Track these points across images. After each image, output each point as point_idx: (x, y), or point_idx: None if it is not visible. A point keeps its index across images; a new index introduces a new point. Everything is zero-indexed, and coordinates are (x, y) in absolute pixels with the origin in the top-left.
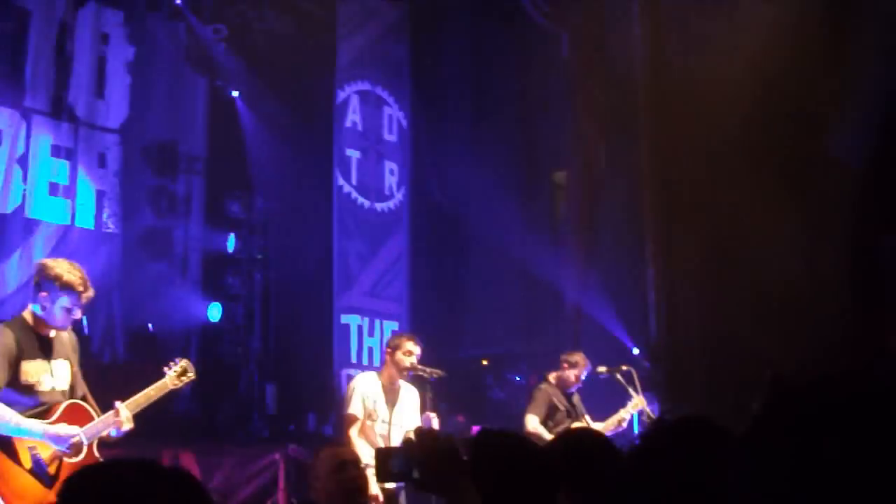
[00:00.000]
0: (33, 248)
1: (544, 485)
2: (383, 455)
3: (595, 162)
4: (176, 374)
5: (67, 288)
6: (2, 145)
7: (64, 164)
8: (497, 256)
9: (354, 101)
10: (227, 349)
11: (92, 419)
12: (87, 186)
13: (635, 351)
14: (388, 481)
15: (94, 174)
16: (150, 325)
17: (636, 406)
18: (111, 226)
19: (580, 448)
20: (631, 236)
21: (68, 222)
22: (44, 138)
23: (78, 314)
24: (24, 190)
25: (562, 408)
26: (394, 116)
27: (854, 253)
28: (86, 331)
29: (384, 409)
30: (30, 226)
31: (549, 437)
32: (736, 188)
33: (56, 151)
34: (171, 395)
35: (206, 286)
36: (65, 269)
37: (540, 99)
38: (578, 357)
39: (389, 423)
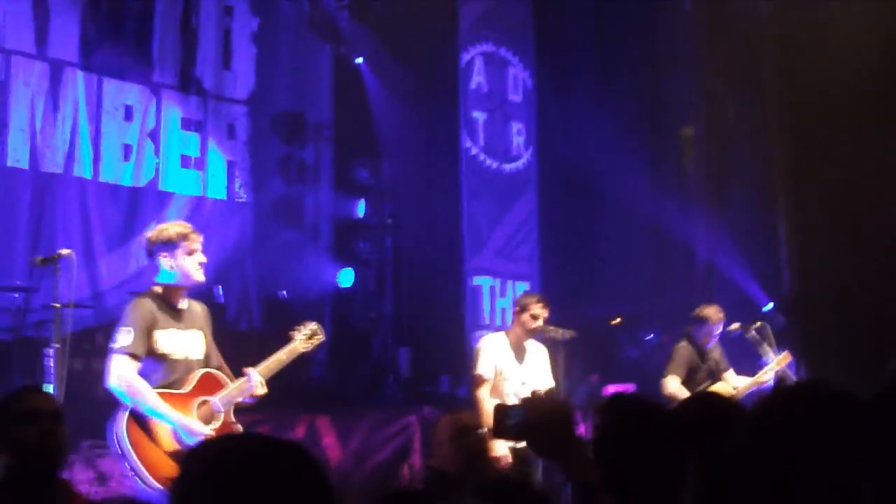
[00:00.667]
0: (167, 219)
1: (673, 453)
2: (500, 412)
3: (723, 116)
4: (306, 337)
5: (181, 238)
6: (133, 120)
7: (194, 137)
8: (626, 214)
9: (478, 63)
10: (359, 314)
11: (225, 387)
12: (217, 157)
13: (769, 306)
14: (504, 438)
15: (223, 145)
16: (283, 293)
17: (779, 363)
18: (243, 195)
19: (709, 414)
20: (761, 190)
21: (200, 193)
22: (174, 112)
23: (203, 258)
24: (157, 163)
25: (703, 366)
26: (519, 77)
27: None
28: (221, 299)
29: (514, 368)
30: (163, 198)
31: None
32: (866, 139)
33: (186, 124)
34: (303, 359)
35: (337, 252)
36: (166, 225)
37: (665, 54)
38: (711, 310)
39: (520, 383)
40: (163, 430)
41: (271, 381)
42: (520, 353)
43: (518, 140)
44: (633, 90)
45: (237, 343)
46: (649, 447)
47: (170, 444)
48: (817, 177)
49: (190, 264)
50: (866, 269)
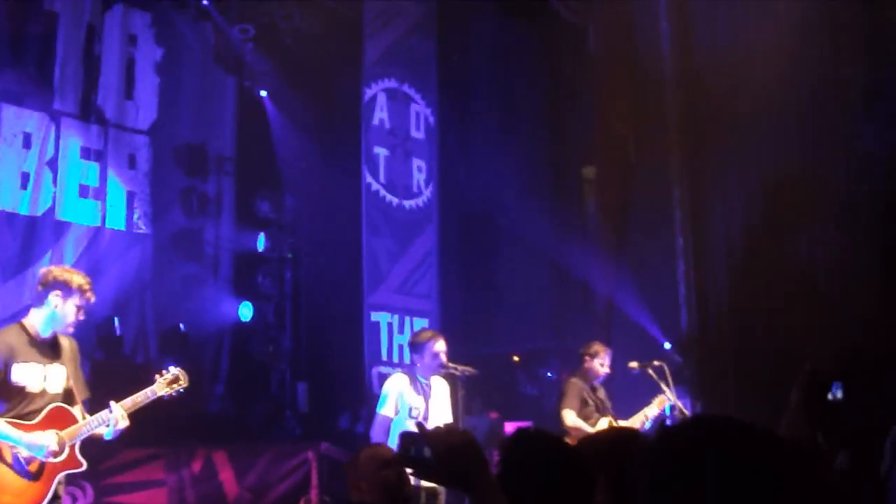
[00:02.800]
0: (64, 249)
1: (580, 488)
2: (406, 440)
3: (624, 156)
4: (166, 381)
5: (81, 290)
6: (32, 148)
7: (94, 166)
8: (527, 252)
9: (382, 99)
10: (258, 348)
11: (75, 422)
12: (117, 188)
13: (667, 346)
14: (409, 468)
15: (124, 175)
16: (181, 325)
17: (661, 403)
18: (142, 227)
19: (616, 448)
20: (661, 230)
21: (99, 223)
22: (73, 140)
23: (82, 315)
24: (55, 192)
25: (591, 402)
26: (421, 114)
27: (886, 238)
28: (118, 331)
29: (419, 405)
30: (61, 228)
31: (589, 429)
32: (766, 180)
33: (86, 153)
34: (196, 394)
35: (237, 286)
36: (73, 272)
37: (567, 94)
38: (597, 346)
39: (427, 419)
40: (4, 450)
41: (169, 415)
42: (424, 390)
43: (419, 177)
44: (535, 129)
45: (133, 375)
46: (555, 481)
47: (8, 461)
48: (717, 217)
49: (73, 316)
50: (764, 310)
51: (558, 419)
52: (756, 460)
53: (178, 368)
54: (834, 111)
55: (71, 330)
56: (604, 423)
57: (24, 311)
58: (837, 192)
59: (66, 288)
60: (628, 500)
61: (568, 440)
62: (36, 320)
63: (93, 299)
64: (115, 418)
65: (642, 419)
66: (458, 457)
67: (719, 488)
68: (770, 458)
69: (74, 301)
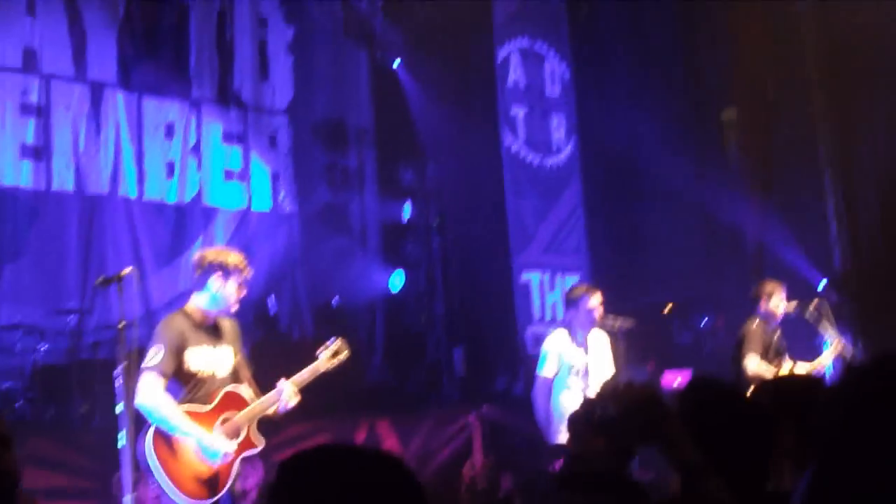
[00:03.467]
0: (214, 234)
1: (758, 438)
2: (589, 404)
3: (764, 96)
4: (329, 354)
5: (238, 269)
6: (175, 136)
7: (236, 150)
8: (673, 200)
9: (515, 59)
10: (412, 316)
11: (247, 404)
12: (260, 169)
13: (823, 283)
14: (597, 431)
15: (266, 156)
16: (335, 299)
17: (836, 348)
18: (288, 206)
19: (799, 394)
20: (807, 169)
21: (245, 206)
22: (214, 126)
23: (244, 291)
24: (200, 178)
25: (773, 346)
26: (555, 70)
27: None
28: (273, 310)
29: (579, 362)
30: (209, 213)
31: (770, 376)
32: None
33: (227, 138)
34: (357, 365)
35: (386, 256)
36: (228, 252)
37: (702, 37)
38: (771, 285)
39: (587, 374)
40: (187, 447)
41: (330, 388)
42: (582, 344)
43: (558, 133)
44: (671, 76)
45: (290, 352)
46: (733, 430)
47: (193, 460)
48: (863, 151)
49: (235, 295)
50: None
51: (739, 366)
52: None
53: (338, 339)
54: None
55: (235, 308)
56: (787, 369)
57: (180, 297)
58: None
59: (224, 269)
60: (813, 446)
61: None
62: (198, 305)
63: (250, 275)
64: (285, 397)
65: (819, 365)
66: (645, 412)
67: None
68: None
69: (235, 280)
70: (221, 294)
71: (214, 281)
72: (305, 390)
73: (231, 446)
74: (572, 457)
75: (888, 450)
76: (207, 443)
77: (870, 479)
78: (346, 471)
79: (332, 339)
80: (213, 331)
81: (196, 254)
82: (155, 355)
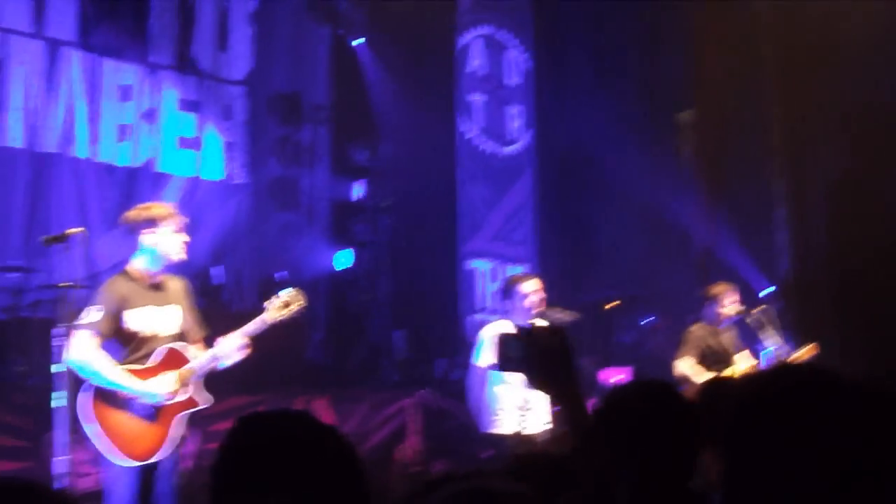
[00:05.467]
0: (164, 200)
1: (682, 437)
2: (503, 343)
3: (721, 101)
4: (277, 307)
5: (165, 217)
6: (131, 100)
7: (191, 118)
8: (624, 198)
9: (477, 46)
10: (355, 296)
11: (188, 362)
12: (214, 138)
13: (769, 290)
14: (507, 370)
15: (220, 126)
16: (279, 274)
17: (778, 355)
18: (239, 176)
19: (723, 401)
20: (759, 174)
21: (197, 174)
22: (170, 92)
23: (187, 238)
24: (153, 144)
25: (712, 351)
26: (517, 60)
27: None
28: (216, 280)
29: None
30: (160, 179)
31: (699, 379)
32: (867, 122)
33: (183, 105)
34: (296, 337)
35: (333, 234)
36: (149, 205)
37: (663, 38)
38: (718, 287)
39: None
40: (125, 406)
41: (269, 363)
42: None
43: (515, 123)
44: (630, 74)
45: (231, 323)
46: (653, 429)
47: (131, 420)
48: (816, 160)
49: (174, 246)
50: (864, 253)
51: (673, 366)
52: (842, 412)
53: (293, 290)
54: None
55: (180, 257)
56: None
57: (126, 261)
58: None
59: (150, 223)
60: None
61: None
62: (139, 265)
63: (182, 221)
64: (225, 349)
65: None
66: (548, 359)
67: (802, 440)
68: (859, 410)
69: (167, 230)
70: (157, 247)
71: (147, 238)
72: (246, 363)
73: (169, 387)
74: None
75: (773, 457)
76: (142, 388)
77: (760, 482)
78: (294, 435)
79: (282, 291)
80: (157, 290)
81: (122, 216)
82: (92, 315)
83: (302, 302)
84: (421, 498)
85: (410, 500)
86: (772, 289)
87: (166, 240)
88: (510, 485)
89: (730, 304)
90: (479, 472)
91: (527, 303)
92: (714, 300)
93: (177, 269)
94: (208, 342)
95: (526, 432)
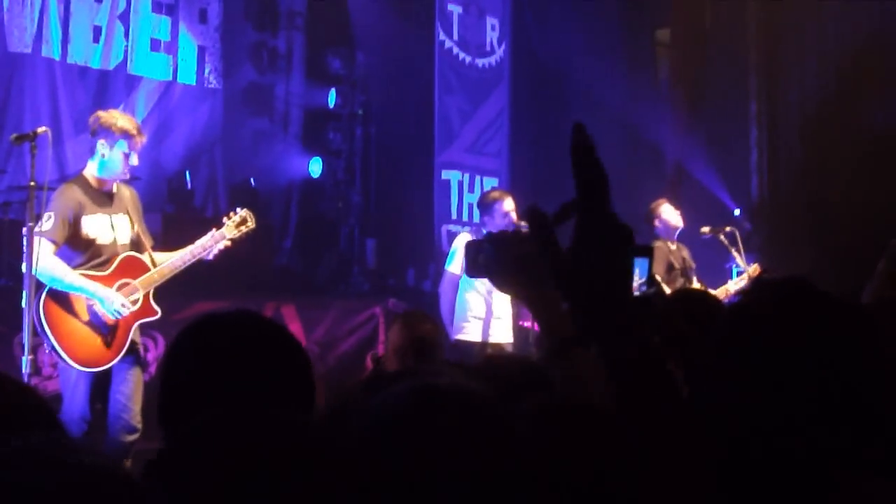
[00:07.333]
0: (136, 103)
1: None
2: (471, 248)
3: (699, 19)
4: (234, 224)
5: (123, 133)
6: (104, 2)
7: (165, 20)
8: (599, 113)
9: None
10: (327, 204)
11: (147, 270)
12: (188, 42)
13: (737, 212)
14: (475, 275)
15: (195, 30)
16: (252, 180)
17: (751, 274)
18: (213, 81)
19: (695, 308)
20: (735, 95)
21: (170, 78)
22: None
23: (135, 160)
24: (126, 46)
25: (677, 265)
26: None
27: None
28: (189, 185)
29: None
30: (132, 82)
31: (668, 290)
32: (844, 46)
33: (157, 7)
34: (233, 245)
35: (307, 142)
36: (118, 115)
37: None
38: (656, 202)
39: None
40: (80, 310)
41: (238, 268)
42: None
43: (492, 35)
44: None
45: (203, 228)
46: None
47: (86, 325)
48: (791, 81)
49: (121, 164)
50: (839, 178)
51: None
52: (835, 324)
53: (245, 210)
54: None
55: (125, 177)
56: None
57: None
58: None
59: (109, 133)
60: (698, 366)
61: None
62: (92, 171)
63: (141, 142)
64: (181, 258)
65: (725, 293)
66: (519, 263)
67: (796, 351)
68: (851, 321)
69: (121, 148)
70: (108, 161)
71: (101, 147)
72: (213, 268)
73: (127, 301)
74: None
75: (757, 371)
76: (102, 294)
77: (740, 398)
78: (235, 335)
79: (238, 209)
80: (108, 198)
81: (93, 114)
82: (46, 221)
83: (252, 224)
84: (369, 392)
85: (358, 395)
86: (737, 211)
87: (115, 156)
88: (460, 382)
89: (671, 214)
90: (431, 369)
91: (505, 218)
92: (656, 216)
93: (148, 172)
94: (174, 248)
95: (493, 340)
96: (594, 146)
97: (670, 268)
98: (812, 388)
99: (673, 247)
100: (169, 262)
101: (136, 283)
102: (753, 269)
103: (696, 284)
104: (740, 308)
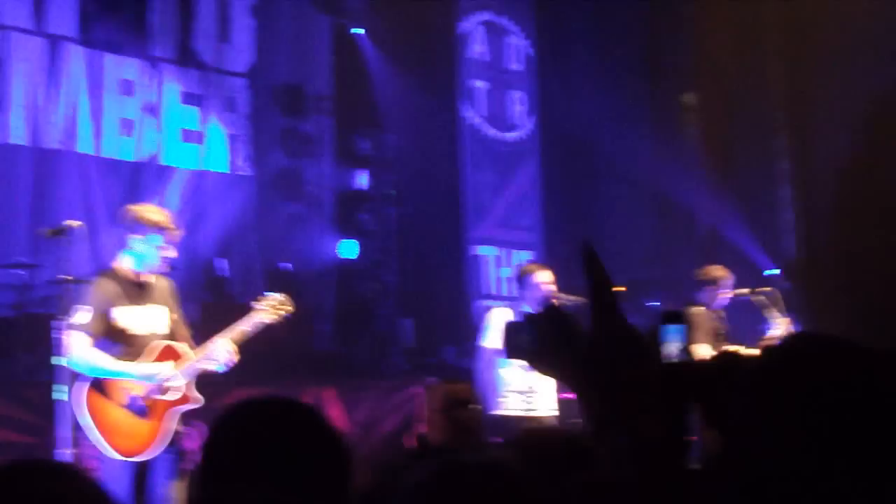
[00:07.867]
0: (170, 194)
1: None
2: (511, 330)
3: (724, 82)
4: (270, 307)
5: (155, 226)
6: (133, 96)
7: (194, 111)
8: (629, 182)
9: (479, 32)
10: (363, 285)
11: (187, 359)
12: (218, 131)
13: (775, 272)
14: (516, 357)
15: (224, 119)
16: (288, 265)
17: (782, 332)
18: (244, 168)
19: (721, 370)
20: (764, 155)
21: (202, 167)
22: (173, 86)
23: (172, 252)
24: (157, 138)
25: (721, 332)
26: (519, 45)
27: None
28: (224, 273)
29: None
30: (165, 173)
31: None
32: (873, 101)
33: (186, 98)
34: (268, 328)
35: (340, 224)
36: (149, 209)
37: (665, 20)
38: (717, 270)
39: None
40: (119, 399)
41: (277, 354)
42: None
43: (519, 109)
44: (633, 58)
45: (241, 315)
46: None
47: (125, 414)
48: (821, 140)
49: (156, 257)
50: (871, 234)
51: (688, 354)
52: (866, 378)
53: (280, 294)
54: None
55: (164, 269)
56: None
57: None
58: None
59: (140, 228)
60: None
61: None
62: (125, 263)
63: (177, 235)
64: (219, 351)
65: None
66: (556, 348)
67: (824, 405)
68: (880, 376)
69: (154, 242)
70: (142, 253)
71: (134, 242)
72: (253, 354)
73: (168, 370)
74: None
75: (783, 427)
76: (140, 371)
77: (768, 455)
78: (274, 421)
79: (269, 293)
80: (143, 289)
81: (124, 207)
82: (82, 316)
83: (290, 307)
84: (398, 472)
85: (387, 474)
86: (776, 271)
87: (149, 250)
88: (492, 458)
89: (727, 289)
90: (471, 444)
91: (540, 291)
92: (713, 283)
93: (184, 261)
94: (208, 337)
95: (532, 415)
96: (596, 253)
97: (716, 335)
98: (852, 439)
99: (714, 315)
100: (205, 350)
101: (173, 364)
102: (783, 323)
103: (730, 347)
104: (779, 358)
